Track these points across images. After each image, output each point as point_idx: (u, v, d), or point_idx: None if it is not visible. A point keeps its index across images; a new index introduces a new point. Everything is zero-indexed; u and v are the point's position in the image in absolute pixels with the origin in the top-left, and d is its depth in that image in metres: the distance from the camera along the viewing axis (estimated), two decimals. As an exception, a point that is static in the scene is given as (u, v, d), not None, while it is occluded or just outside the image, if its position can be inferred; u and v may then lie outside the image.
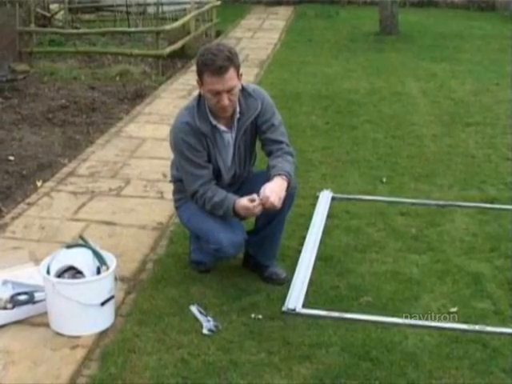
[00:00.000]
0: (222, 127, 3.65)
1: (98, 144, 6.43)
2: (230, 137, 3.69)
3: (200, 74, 3.52)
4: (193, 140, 3.60)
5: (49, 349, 3.30)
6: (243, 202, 3.53)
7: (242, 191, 3.70)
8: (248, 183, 3.78)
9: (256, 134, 3.76)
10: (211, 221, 3.68)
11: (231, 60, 3.47)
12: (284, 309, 3.60)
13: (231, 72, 3.46)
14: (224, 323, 3.49)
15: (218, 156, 3.68)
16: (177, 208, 3.96)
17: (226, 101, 3.51)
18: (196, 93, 3.73)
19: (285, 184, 3.51)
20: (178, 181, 3.86)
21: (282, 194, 3.47)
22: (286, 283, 3.82)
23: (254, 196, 3.49)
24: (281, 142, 3.71)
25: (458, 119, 7.42)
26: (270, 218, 3.73)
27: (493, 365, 3.22)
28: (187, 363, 3.18)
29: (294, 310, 3.59)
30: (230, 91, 3.49)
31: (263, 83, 8.92)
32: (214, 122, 3.63)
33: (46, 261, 3.49)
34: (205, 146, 3.63)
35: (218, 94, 3.48)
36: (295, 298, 3.68)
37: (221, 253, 3.70)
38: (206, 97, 3.58)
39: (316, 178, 5.43)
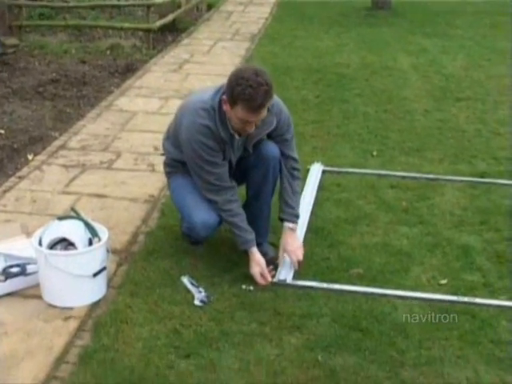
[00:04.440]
0: (237, 136, 3.57)
1: (88, 117, 6.41)
2: (241, 140, 3.63)
3: (233, 101, 3.32)
4: (212, 143, 3.50)
5: (41, 320, 3.32)
6: (261, 261, 3.61)
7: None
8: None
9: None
10: (190, 199, 3.70)
11: (269, 95, 3.32)
12: (275, 280, 3.63)
13: (266, 106, 3.36)
14: (215, 294, 3.51)
15: (232, 155, 3.65)
16: (168, 177, 3.97)
17: (252, 128, 3.45)
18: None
19: (296, 233, 3.84)
20: (172, 158, 3.84)
21: (300, 244, 3.80)
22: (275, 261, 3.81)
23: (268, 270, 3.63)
24: (289, 158, 3.77)
25: (448, 94, 7.43)
26: (258, 190, 3.79)
27: (481, 336, 3.26)
28: (179, 334, 3.20)
29: (285, 281, 3.62)
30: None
31: (254, 57, 8.93)
32: (232, 132, 3.52)
33: (37, 233, 3.50)
34: (222, 148, 3.56)
35: (246, 122, 3.40)
36: (286, 270, 3.71)
37: (193, 233, 3.73)
38: (230, 117, 3.44)
39: (307, 152, 5.42)
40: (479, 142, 5.94)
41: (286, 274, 3.67)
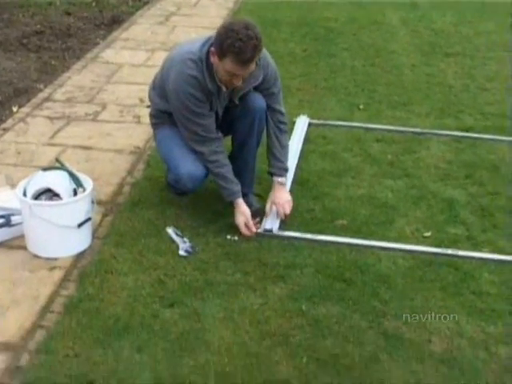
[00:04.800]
0: (224, 88, 3.54)
1: (74, 69, 6.34)
2: (227, 92, 3.60)
3: (222, 54, 3.28)
4: (199, 94, 3.47)
5: (27, 271, 3.33)
6: (247, 211, 3.62)
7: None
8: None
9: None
10: (176, 151, 3.69)
11: (258, 49, 3.29)
12: (260, 230, 3.64)
13: (255, 60, 3.34)
14: (200, 244, 3.53)
15: (219, 107, 3.63)
16: (154, 128, 3.95)
17: (239, 82, 3.42)
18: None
19: (286, 186, 3.88)
20: (158, 109, 3.81)
21: (289, 198, 3.79)
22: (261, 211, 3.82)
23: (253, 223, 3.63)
24: (276, 111, 3.75)
25: (437, 49, 7.39)
26: (244, 141, 3.78)
27: (464, 287, 3.30)
28: (164, 283, 3.22)
29: (271, 230, 3.63)
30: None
31: (242, 10, 8.83)
32: (219, 84, 3.49)
33: (22, 183, 3.49)
34: (209, 99, 3.54)
35: (234, 74, 3.36)
36: (272, 220, 3.72)
37: (180, 184, 3.71)
38: (217, 70, 3.40)
39: (293, 104, 5.41)
40: (466, 97, 5.93)
41: (271, 223, 3.68)
